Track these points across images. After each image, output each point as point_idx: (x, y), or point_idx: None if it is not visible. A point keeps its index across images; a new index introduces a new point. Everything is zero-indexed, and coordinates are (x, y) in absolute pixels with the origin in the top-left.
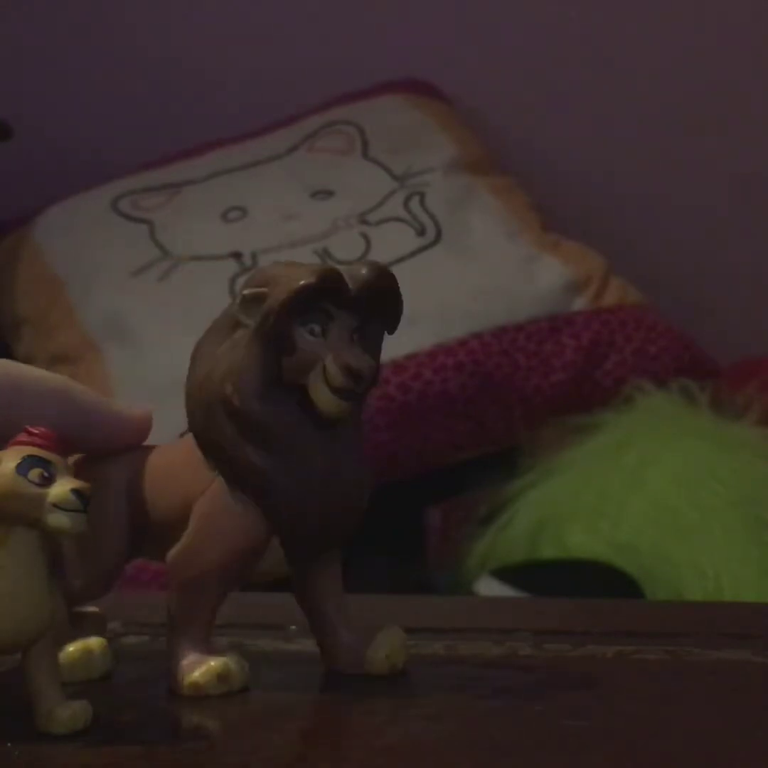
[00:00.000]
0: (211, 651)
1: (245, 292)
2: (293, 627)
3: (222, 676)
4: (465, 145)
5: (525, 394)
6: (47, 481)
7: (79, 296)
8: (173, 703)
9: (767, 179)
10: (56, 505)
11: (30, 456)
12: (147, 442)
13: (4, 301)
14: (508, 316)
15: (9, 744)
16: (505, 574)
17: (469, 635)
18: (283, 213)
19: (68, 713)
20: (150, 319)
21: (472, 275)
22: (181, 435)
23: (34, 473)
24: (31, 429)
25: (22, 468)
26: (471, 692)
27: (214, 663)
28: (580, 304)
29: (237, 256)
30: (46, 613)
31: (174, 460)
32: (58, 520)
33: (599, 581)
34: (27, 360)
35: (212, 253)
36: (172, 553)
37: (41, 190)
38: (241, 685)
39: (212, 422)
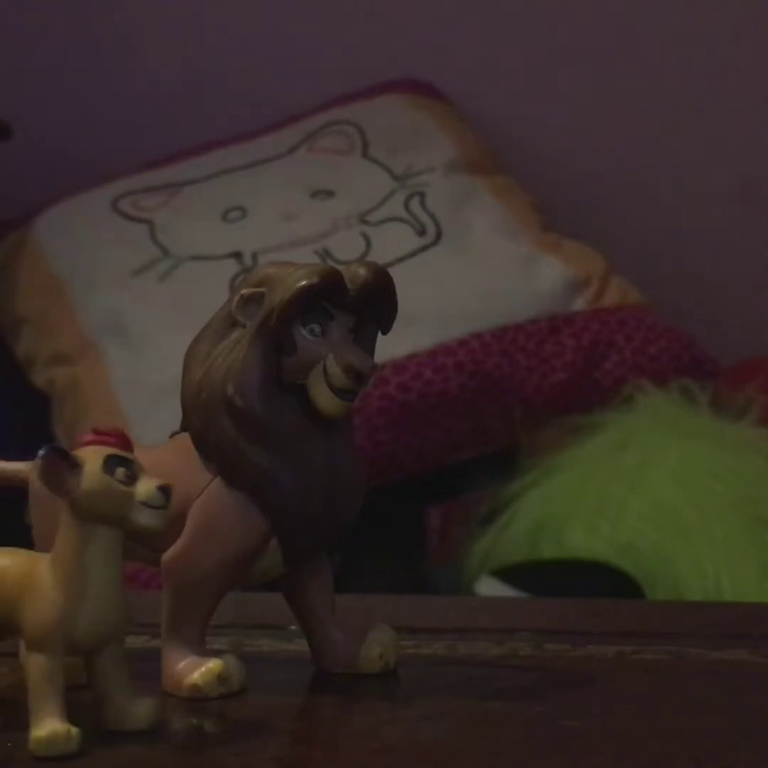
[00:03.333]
0: (206, 652)
1: (243, 291)
2: (293, 627)
3: (222, 678)
4: (465, 145)
5: (525, 394)
6: (131, 479)
7: (79, 296)
8: (173, 703)
9: (767, 179)
10: (145, 503)
11: (112, 455)
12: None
13: (4, 301)
14: (508, 316)
15: (9, 743)
16: (505, 574)
17: (469, 635)
18: (283, 213)
19: (144, 709)
20: (150, 319)
21: (473, 275)
22: (172, 435)
23: (120, 472)
24: (100, 428)
25: (108, 467)
26: (471, 692)
27: (213, 664)
28: (580, 304)
29: (237, 256)
30: (124, 612)
31: (165, 461)
32: (147, 518)
33: (599, 581)
34: (27, 360)
35: (212, 253)
36: (169, 554)
37: (41, 190)
38: (240, 686)
39: (213, 423)
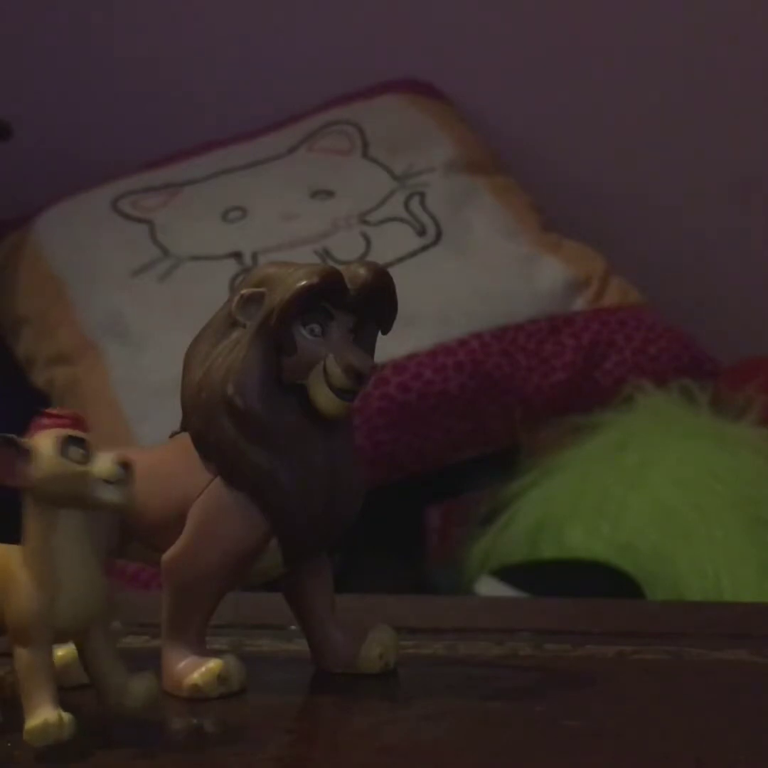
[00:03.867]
0: (206, 652)
1: (243, 291)
2: (293, 627)
3: (222, 678)
4: (465, 145)
5: (525, 394)
6: (87, 459)
7: (79, 296)
8: (173, 703)
9: (767, 179)
10: (104, 480)
11: (66, 437)
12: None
13: (4, 301)
14: (508, 316)
15: (9, 744)
16: (505, 574)
17: (469, 635)
18: (283, 213)
19: (144, 686)
20: (150, 319)
21: (473, 275)
22: (172, 435)
23: (75, 453)
24: (52, 411)
25: (62, 449)
26: (471, 692)
27: (213, 664)
28: (580, 304)
29: (237, 256)
30: (102, 593)
31: (165, 460)
32: (108, 493)
33: (599, 581)
34: (27, 360)
35: (212, 253)
36: (169, 554)
37: (41, 190)
38: (240, 685)
39: (213, 423)
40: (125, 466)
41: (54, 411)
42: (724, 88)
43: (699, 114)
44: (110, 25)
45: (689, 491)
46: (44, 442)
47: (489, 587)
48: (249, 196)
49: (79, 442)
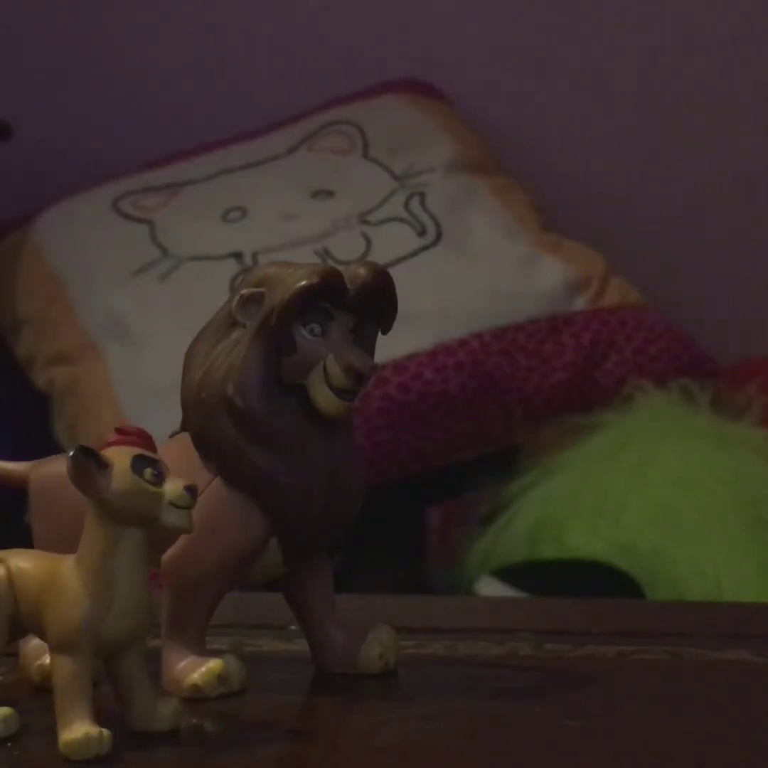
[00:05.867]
0: (206, 652)
1: (243, 291)
2: (293, 627)
3: (222, 678)
4: (465, 145)
5: (525, 394)
6: (159, 479)
7: (79, 296)
8: None
9: (767, 179)
10: (173, 504)
11: (140, 456)
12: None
13: (4, 301)
14: (508, 316)
15: (9, 744)
16: (505, 574)
17: (469, 635)
18: (283, 213)
19: (170, 709)
20: (150, 319)
21: (473, 275)
22: (172, 435)
23: (148, 473)
24: (124, 428)
25: (137, 468)
26: (471, 692)
27: (213, 664)
28: (580, 304)
29: (237, 256)
30: (149, 613)
31: (165, 461)
32: (177, 518)
33: (599, 581)
34: (27, 360)
35: (212, 253)
36: (169, 554)
37: (41, 190)
38: (240, 685)
39: (213, 423)
40: (192, 491)
41: (125, 427)
42: (725, 87)
43: (699, 113)
44: (110, 24)
45: (689, 491)
46: (121, 458)
47: (489, 587)
48: (249, 196)
49: (152, 462)
